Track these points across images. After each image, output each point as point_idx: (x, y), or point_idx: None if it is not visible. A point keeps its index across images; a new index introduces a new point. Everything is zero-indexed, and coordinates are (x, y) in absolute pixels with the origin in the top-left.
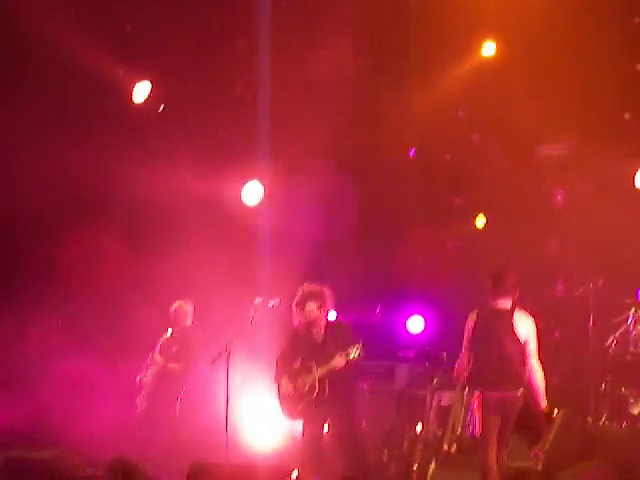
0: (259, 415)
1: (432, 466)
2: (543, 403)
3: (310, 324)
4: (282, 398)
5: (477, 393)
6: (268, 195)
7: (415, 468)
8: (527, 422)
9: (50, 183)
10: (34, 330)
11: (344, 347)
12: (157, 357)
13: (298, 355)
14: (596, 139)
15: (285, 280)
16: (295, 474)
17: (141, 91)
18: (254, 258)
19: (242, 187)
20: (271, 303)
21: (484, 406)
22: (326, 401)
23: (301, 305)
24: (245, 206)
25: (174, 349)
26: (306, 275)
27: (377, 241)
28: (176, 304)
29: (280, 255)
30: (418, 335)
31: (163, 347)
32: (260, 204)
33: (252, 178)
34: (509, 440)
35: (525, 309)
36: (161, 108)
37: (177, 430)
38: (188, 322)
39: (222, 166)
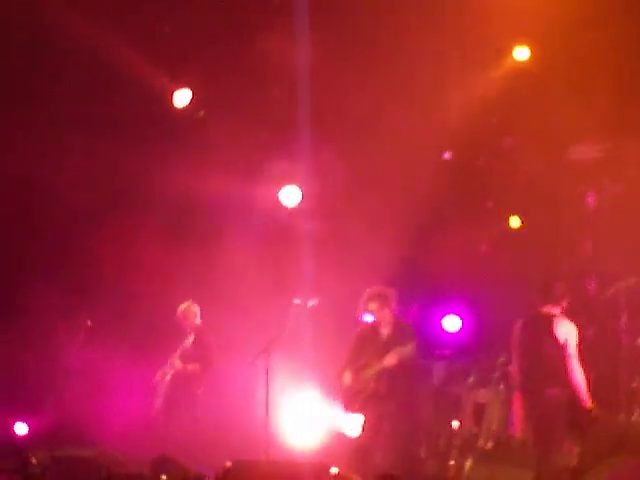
0: (298, 414)
1: (468, 462)
2: (586, 401)
3: (376, 324)
4: (342, 392)
5: (517, 393)
6: (307, 196)
7: (452, 464)
8: (571, 421)
9: (94, 181)
10: (69, 328)
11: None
12: (176, 362)
13: (364, 352)
14: (629, 139)
15: (323, 281)
16: (334, 471)
17: (182, 97)
18: (293, 259)
19: (280, 188)
20: (310, 303)
21: (526, 406)
22: (382, 398)
23: (364, 305)
24: (284, 207)
25: (190, 351)
26: (344, 276)
27: (414, 243)
28: (183, 305)
29: (319, 256)
30: (454, 334)
31: (182, 351)
32: (299, 205)
33: (291, 179)
34: (559, 440)
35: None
36: (201, 113)
37: (201, 430)
38: (197, 321)
39: (261, 167)
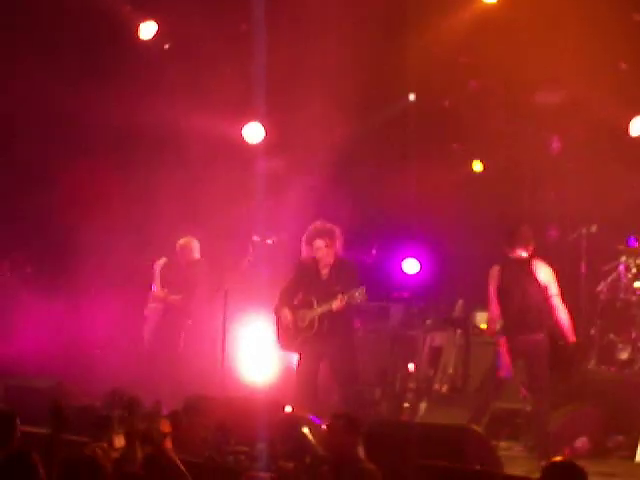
0: (255, 350)
1: (423, 405)
2: (572, 337)
3: (317, 260)
4: (281, 329)
5: (503, 338)
6: (269, 135)
7: (407, 406)
8: (556, 359)
9: (49, 116)
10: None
11: (347, 288)
12: (158, 291)
13: (301, 288)
14: (593, 87)
15: (283, 219)
16: (289, 408)
17: (147, 29)
18: (253, 196)
19: (244, 125)
20: (269, 241)
21: (512, 350)
22: (324, 337)
23: (309, 241)
24: (246, 144)
25: (177, 281)
26: (303, 215)
27: (374, 183)
28: (182, 240)
29: (279, 195)
30: (413, 276)
31: (164, 280)
32: (261, 143)
33: (254, 116)
34: (546, 382)
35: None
36: (166, 47)
37: (179, 364)
38: (196, 256)
39: (225, 103)
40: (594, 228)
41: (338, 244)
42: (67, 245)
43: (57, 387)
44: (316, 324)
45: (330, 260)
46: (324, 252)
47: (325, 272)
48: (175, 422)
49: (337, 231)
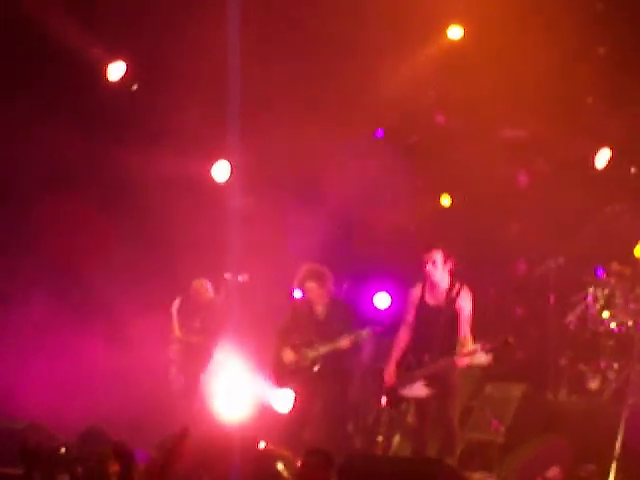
0: (228, 387)
1: (396, 438)
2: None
3: (311, 301)
4: (280, 367)
5: None
6: (236, 172)
7: (380, 440)
8: None
9: (21, 161)
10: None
11: (350, 329)
12: (177, 332)
13: (297, 329)
14: (559, 122)
15: (254, 257)
16: (262, 445)
17: (115, 70)
18: (223, 235)
19: (212, 164)
20: (240, 278)
21: None
22: (325, 377)
23: (301, 284)
24: (215, 183)
25: (197, 323)
26: (275, 252)
27: (342, 220)
28: (195, 283)
29: (248, 233)
30: (384, 310)
31: (182, 322)
32: (228, 181)
33: (222, 155)
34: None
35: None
36: (134, 87)
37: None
38: (210, 295)
39: (194, 143)
40: (561, 260)
41: (329, 284)
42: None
43: (30, 428)
44: (319, 363)
45: (324, 300)
46: (317, 293)
47: (321, 312)
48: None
49: (327, 272)
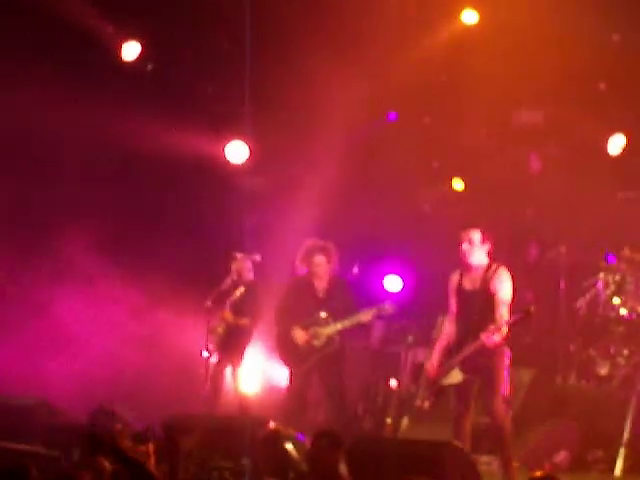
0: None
1: (405, 420)
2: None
3: (315, 276)
4: (290, 347)
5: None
6: (252, 154)
7: (389, 422)
8: None
9: (37, 139)
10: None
11: (351, 308)
12: (227, 314)
13: (298, 305)
14: (572, 107)
15: (267, 237)
16: (272, 424)
17: (130, 50)
18: (238, 215)
19: (227, 144)
20: (252, 258)
21: None
22: (332, 354)
23: (309, 257)
24: (230, 163)
25: (242, 305)
26: (286, 233)
27: (357, 200)
28: (238, 259)
29: (262, 213)
30: (395, 294)
31: (232, 303)
32: (245, 162)
33: (237, 136)
34: None
35: None
36: (149, 67)
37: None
38: (251, 276)
39: (209, 122)
40: (573, 245)
41: (335, 260)
42: (52, 263)
43: (39, 405)
44: (335, 340)
45: (327, 277)
46: (325, 268)
47: (322, 289)
48: (157, 440)
49: (333, 247)
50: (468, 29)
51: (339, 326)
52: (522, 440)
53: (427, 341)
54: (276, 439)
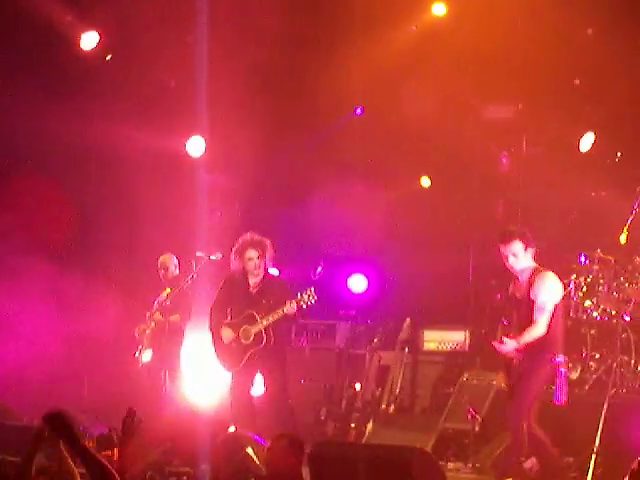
0: (198, 369)
1: (370, 425)
2: None
3: (248, 272)
4: (223, 349)
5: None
6: (210, 148)
7: (353, 426)
8: None
9: None
10: None
11: (278, 300)
12: (157, 315)
13: (232, 303)
14: (544, 103)
15: (227, 234)
16: (232, 428)
17: (89, 40)
18: (196, 211)
19: (188, 139)
20: (213, 257)
21: None
22: (270, 350)
23: (241, 252)
24: (189, 158)
25: (169, 302)
26: (247, 230)
27: (320, 197)
28: (162, 258)
29: (221, 209)
30: (360, 294)
31: (160, 304)
32: (202, 156)
33: (196, 129)
34: None
35: None
36: (108, 57)
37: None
38: (176, 272)
39: (168, 116)
40: (544, 245)
41: (268, 257)
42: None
43: None
44: (264, 337)
45: (260, 272)
46: (256, 263)
47: (255, 285)
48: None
49: (268, 243)
50: (436, 22)
51: (265, 322)
52: (490, 445)
53: (392, 344)
54: (236, 443)
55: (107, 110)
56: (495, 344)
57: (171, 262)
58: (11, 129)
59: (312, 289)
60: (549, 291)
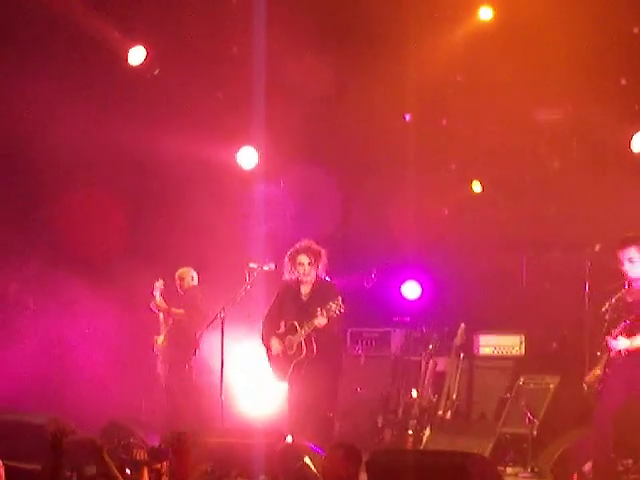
0: (253, 380)
1: (427, 431)
2: None
3: (299, 281)
4: (273, 360)
5: None
6: (263, 159)
7: (410, 433)
8: None
9: (45, 144)
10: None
11: (325, 304)
12: (160, 302)
13: (284, 313)
14: (593, 104)
15: (281, 246)
16: (289, 438)
17: (136, 55)
18: (250, 222)
19: (238, 150)
20: (266, 267)
21: None
22: (314, 360)
23: (293, 257)
24: (241, 170)
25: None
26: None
27: (373, 206)
28: (180, 270)
29: (277, 220)
30: (414, 301)
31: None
32: (255, 168)
33: (247, 141)
34: None
35: None
36: (156, 72)
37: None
38: (192, 283)
39: (219, 128)
40: (597, 247)
41: (321, 265)
42: (62, 274)
43: (51, 422)
44: (304, 348)
45: (311, 280)
46: (306, 269)
47: (306, 293)
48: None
49: (322, 252)
50: (483, 26)
51: (303, 332)
52: (548, 450)
53: (448, 350)
54: (294, 453)
55: (156, 123)
56: (609, 339)
57: (188, 274)
58: (65, 141)
59: (339, 299)
60: None
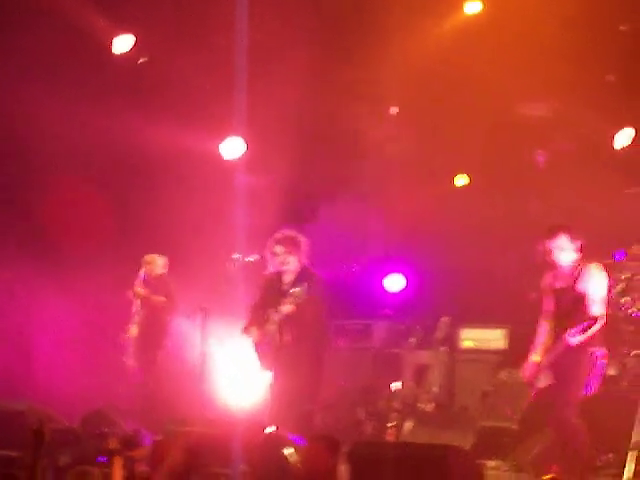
0: (235, 371)
1: (408, 424)
2: None
3: (279, 272)
4: (257, 349)
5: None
6: (247, 149)
7: (391, 425)
8: None
9: (26, 131)
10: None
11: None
12: (141, 289)
13: (266, 303)
14: (578, 100)
15: (265, 236)
16: (270, 429)
17: (122, 43)
18: (232, 213)
19: (222, 140)
20: (250, 259)
21: None
22: (289, 348)
23: (270, 249)
24: (224, 160)
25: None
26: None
27: (356, 197)
28: (148, 257)
29: (260, 210)
30: (397, 293)
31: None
32: (239, 159)
33: (232, 131)
34: None
35: None
36: (141, 60)
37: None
38: (160, 271)
39: (203, 118)
40: (580, 242)
41: (301, 252)
42: (44, 267)
43: (30, 410)
44: (278, 336)
45: (294, 268)
46: (282, 259)
47: (289, 281)
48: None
49: (301, 239)
50: (469, 20)
51: (276, 320)
52: (528, 443)
53: (429, 342)
54: (273, 444)
55: (140, 112)
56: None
57: (158, 260)
58: (45, 128)
59: (305, 284)
60: (600, 283)
